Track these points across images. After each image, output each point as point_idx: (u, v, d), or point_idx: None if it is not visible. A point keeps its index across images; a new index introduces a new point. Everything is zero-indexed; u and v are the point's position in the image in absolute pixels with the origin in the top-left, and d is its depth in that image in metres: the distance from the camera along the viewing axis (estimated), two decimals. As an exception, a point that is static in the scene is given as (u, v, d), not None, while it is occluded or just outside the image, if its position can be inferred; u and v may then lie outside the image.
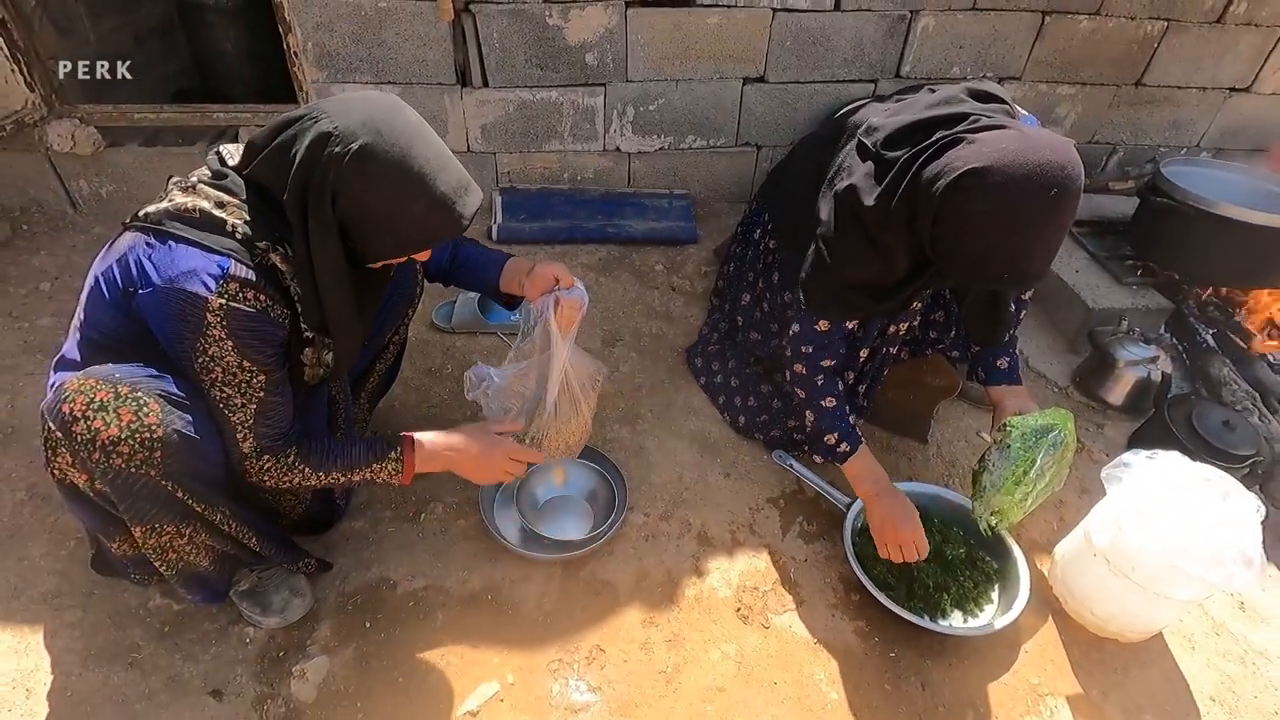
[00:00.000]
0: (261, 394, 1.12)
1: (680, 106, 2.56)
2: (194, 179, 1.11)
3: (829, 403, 1.58)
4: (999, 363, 1.63)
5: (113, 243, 1.13)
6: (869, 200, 1.35)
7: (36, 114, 2.27)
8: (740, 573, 1.56)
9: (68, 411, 1.02)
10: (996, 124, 1.24)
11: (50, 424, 1.04)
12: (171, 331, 1.04)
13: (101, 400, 1.02)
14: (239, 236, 1.06)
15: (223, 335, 1.04)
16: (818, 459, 1.71)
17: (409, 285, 1.46)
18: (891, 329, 1.64)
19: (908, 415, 1.90)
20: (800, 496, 1.74)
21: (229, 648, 1.34)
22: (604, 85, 2.47)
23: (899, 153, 1.33)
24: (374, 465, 1.25)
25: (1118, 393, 2.00)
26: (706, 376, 2.00)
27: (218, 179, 1.10)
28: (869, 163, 1.41)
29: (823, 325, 1.55)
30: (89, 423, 1.02)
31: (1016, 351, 1.65)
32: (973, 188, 1.18)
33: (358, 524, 1.58)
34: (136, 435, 1.03)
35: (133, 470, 1.06)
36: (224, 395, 1.09)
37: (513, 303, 1.53)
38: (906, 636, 1.46)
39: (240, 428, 1.12)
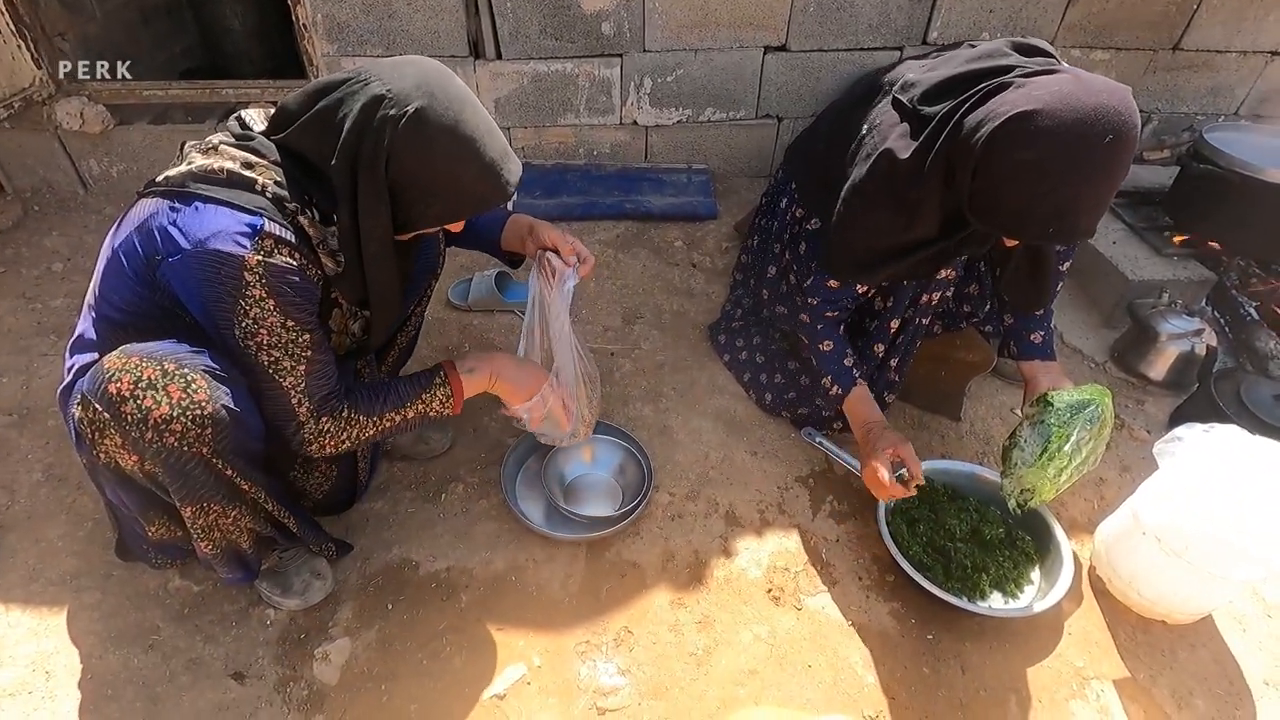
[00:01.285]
0: (309, 353, 1.08)
1: (699, 77, 2.48)
2: (215, 141, 1.07)
3: (826, 345, 1.55)
4: (1033, 337, 1.56)
5: (127, 213, 1.09)
6: (904, 156, 1.28)
7: (45, 91, 2.23)
8: (770, 553, 1.51)
9: (115, 391, 0.98)
10: (1049, 69, 1.16)
11: (96, 405, 1.00)
12: (208, 296, 1.00)
13: (149, 378, 0.98)
14: (269, 195, 1.02)
15: (264, 294, 1.00)
16: (821, 405, 1.67)
17: (432, 255, 1.41)
18: (924, 298, 1.57)
19: (939, 392, 1.84)
20: (830, 475, 1.69)
21: (250, 630, 1.32)
22: (621, 56, 2.40)
23: (937, 108, 1.25)
24: (423, 396, 1.22)
25: (1159, 367, 1.92)
26: (730, 354, 1.95)
27: (242, 141, 1.06)
28: (904, 121, 1.34)
29: (833, 283, 1.51)
30: (139, 401, 0.98)
31: (1052, 326, 1.58)
32: (1019, 133, 1.10)
33: (378, 505, 1.55)
34: (188, 412, 1.00)
35: (185, 449, 1.02)
36: (272, 359, 1.05)
37: (515, 261, 1.50)
38: (944, 618, 1.41)
39: (293, 392, 1.09)
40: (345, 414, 1.15)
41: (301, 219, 1.04)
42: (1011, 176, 1.13)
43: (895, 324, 1.63)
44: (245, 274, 0.98)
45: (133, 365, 0.99)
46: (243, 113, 1.13)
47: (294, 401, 1.09)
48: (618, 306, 2.13)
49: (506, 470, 1.59)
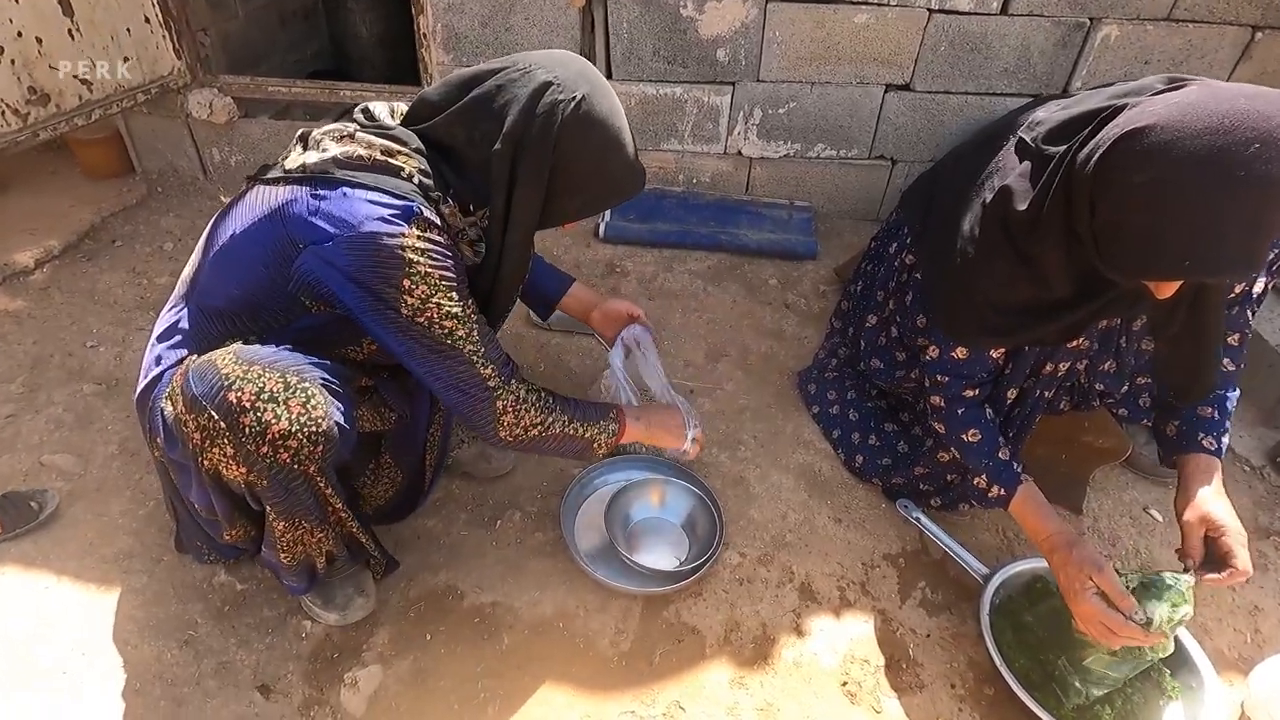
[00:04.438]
0: (476, 314, 1.06)
1: (812, 111, 2.36)
2: (350, 129, 1.04)
3: (972, 436, 1.33)
4: (1168, 429, 1.33)
5: (240, 200, 1.07)
6: (1020, 205, 1.11)
7: (181, 81, 2.35)
8: (849, 639, 1.33)
9: (235, 400, 0.94)
10: (1178, 86, 0.96)
11: (212, 412, 0.95)
12: (367, 281, 0.97)
13: (272, 391, 0.95)
14: (415, 182, 1.00)
15: (428, 269, 0.98)
16: (965, 507, 1.48)
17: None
18: (1046, 367, 1.37)
19: (1060, 478, 1.61)
20: (924, 557, 1.49)
21: (284, 640, 1.25)
22: (733, 84, 2.31)
23: (1061, 147, 1.07)
24: (600, 422, 1.24)
25: (1334, 481, 1.63)
26: (820, 405, 1.79)
27: (381, 130, 1.04)
28: (1026, 161, 1.16)
29: (960, 353, 1.32)
30: (259, 414, 0.94)
31: (1206, 410, 1.31)
32: (1130, 153, 0.91)
33: (430, 522, 1.47)
34: (305, 429, 0.96)
35: (295, 466, 1.00)
36: (445, 330, 1.02)
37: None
38: (1054, 751, 1.19)
39: (475, 358, 1.06)
40: (534, 396, 1.14)
41: (444, 208, 1.03)
42: (1129, 205, 0.94)
43: (1013, 393, 1.43)
44: (408, 253, 0.96)
45: (254, 375, 0.95)
46: (369, 105, 1.11)
47: (480, 368, 1.07)
48: (702, 342, 2.01)
49: (567, 504, 1.48)
